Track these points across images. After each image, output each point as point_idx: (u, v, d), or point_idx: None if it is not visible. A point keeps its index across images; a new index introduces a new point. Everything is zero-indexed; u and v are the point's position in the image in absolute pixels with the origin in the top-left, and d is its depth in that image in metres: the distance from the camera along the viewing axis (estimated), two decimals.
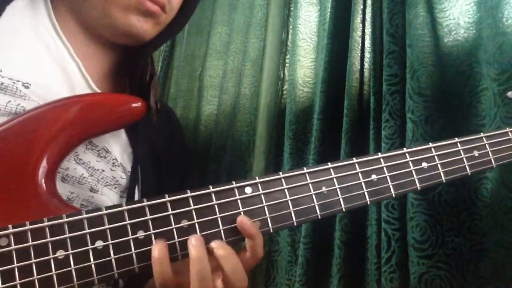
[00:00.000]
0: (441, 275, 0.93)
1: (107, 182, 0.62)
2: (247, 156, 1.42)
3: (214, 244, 0.47)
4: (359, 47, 1.22)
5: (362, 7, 1.24)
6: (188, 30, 1.81)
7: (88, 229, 0.45)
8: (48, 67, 0.59)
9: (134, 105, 0.57)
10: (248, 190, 0.50)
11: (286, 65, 1.45)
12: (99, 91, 0.62)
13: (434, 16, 1.09)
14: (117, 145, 0.64)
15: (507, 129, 0.62)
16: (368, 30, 1.22)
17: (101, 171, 0.61)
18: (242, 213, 0.49)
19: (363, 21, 1.23)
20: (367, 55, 1.21)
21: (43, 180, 0.50)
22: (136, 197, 0.64)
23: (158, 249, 0.45)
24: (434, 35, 1.08)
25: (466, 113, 0.99)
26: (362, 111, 1.19)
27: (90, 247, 0.44)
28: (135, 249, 0.45)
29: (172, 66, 1.83)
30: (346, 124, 1.15)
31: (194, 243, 0.46)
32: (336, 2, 1.28)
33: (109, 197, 0.62)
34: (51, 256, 0.44)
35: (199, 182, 0.54)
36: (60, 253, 0.44)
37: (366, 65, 1.21)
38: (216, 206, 0.48)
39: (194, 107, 1.69)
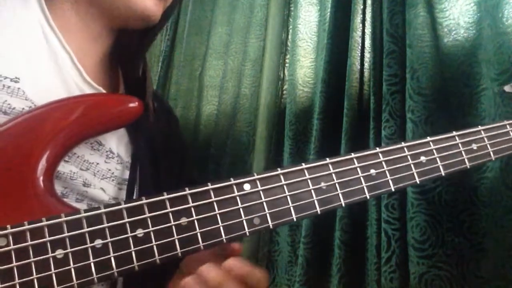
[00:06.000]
0: (441, 275, 0.92)
1: (103, 175, 0.61)
2: (247, 156, 1.42)
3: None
4: (359, 47, 1.22)
5: (362, 7, 1.24)
6: (188, 30, 1.81)
7: (87, 228, 0.45)
8: (39, 60, 0.58)
9: (131, 105, 0.57)
10: (246, 186, 0.49)
11: (286, 65, 1.45)
12: (93, 82, 0.61)
13: (434, 16, 1.09)
14: (113, 136, 0.63)
15: (505, 122, 0.62)
16: (368, 30, 1.22)
17: (96, 164, 0.61)
18: (241, 209, 0.49)
19: (363, 21, 1.23)
20: (367, 55, 1.21)
21: (41, 179, 0.50)
22: (135, 190, 0.64)
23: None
24: (434, 35, 1.08)
25: (466, 113, 0.99)
26: (362, 111, 1.19)
27: (89, 245, 0.44)
28: (134, 247, 0.45)
29: (172, 66, 1.83)
30: (346, 124, 1.15)
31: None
32: (336, 2, 1.28)
33: (106, 190, 0.62)
34: (50, 255, 0.43)
35: (199, 182, 0.54)
36: (59, 252, 0.44)
37: (366, 65, 1.21)
38: (214, 203, 0.48)
39: (194, 107, 1.69)
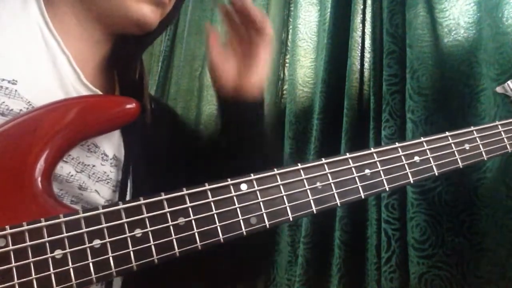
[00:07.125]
0: (441, 275, 0.92)
1: (98, 177, 0.61)
2: None
3: None
4: (359, 47, 1.22)
5: (362, 7, 1.24)
6: (188, 30, 1.81)
7: (85, 228, 0.45)
8: (38, 62, 0.58)
9: (128, 106, 0.57)
10: (243, 186, 0.50)
11: (286, 65, 1.45)
12: (90, 85, 0.62)
13: (434, 16, 1.09)
14: (108, 138, 0.63)
15: (497, 122, 0.63)
16: (368, 30, 1.22)
17: (92, 166, 0.61)
18: (238, 209, 0.49)
19: (363, 21, 1.24)
20: (367, 55, 1.21)
21: (40, 180, 0.50)
22: (128, 192, 0.64)
23: None
24: (434, 35, 1.08)
25: (466, 113, 0.99)
26: (362, 111, 1.19)
27: (87, 245, 0.44)
28: (132, 247, 0.45)
29: (172, 66, 1.83)
30: (346, 124, 1.15)
31: None
32: (336, 2, 1.28)
33: (100, 192, 0.62)
34: (49, 255, 0.44)
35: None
36: (58, 253, 0.44)
37: (366, 65, 1.21)
38: (212, 203, 0.49)
39: (194, 107, 1.69)
